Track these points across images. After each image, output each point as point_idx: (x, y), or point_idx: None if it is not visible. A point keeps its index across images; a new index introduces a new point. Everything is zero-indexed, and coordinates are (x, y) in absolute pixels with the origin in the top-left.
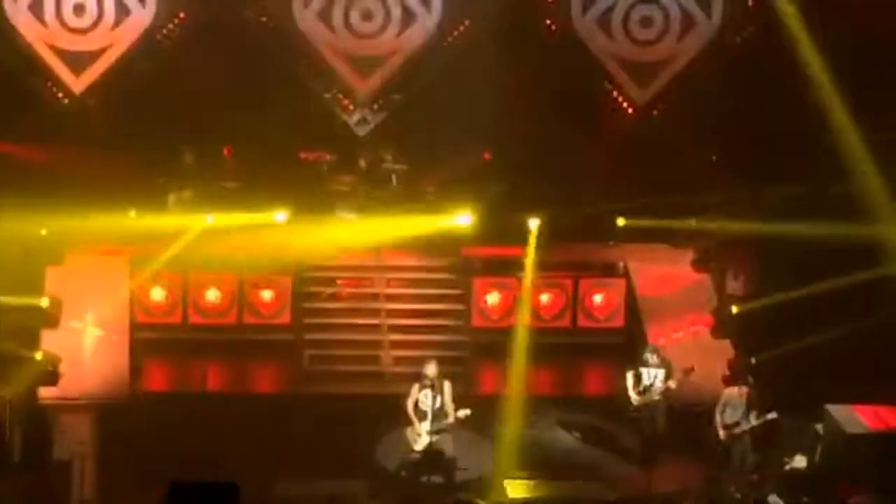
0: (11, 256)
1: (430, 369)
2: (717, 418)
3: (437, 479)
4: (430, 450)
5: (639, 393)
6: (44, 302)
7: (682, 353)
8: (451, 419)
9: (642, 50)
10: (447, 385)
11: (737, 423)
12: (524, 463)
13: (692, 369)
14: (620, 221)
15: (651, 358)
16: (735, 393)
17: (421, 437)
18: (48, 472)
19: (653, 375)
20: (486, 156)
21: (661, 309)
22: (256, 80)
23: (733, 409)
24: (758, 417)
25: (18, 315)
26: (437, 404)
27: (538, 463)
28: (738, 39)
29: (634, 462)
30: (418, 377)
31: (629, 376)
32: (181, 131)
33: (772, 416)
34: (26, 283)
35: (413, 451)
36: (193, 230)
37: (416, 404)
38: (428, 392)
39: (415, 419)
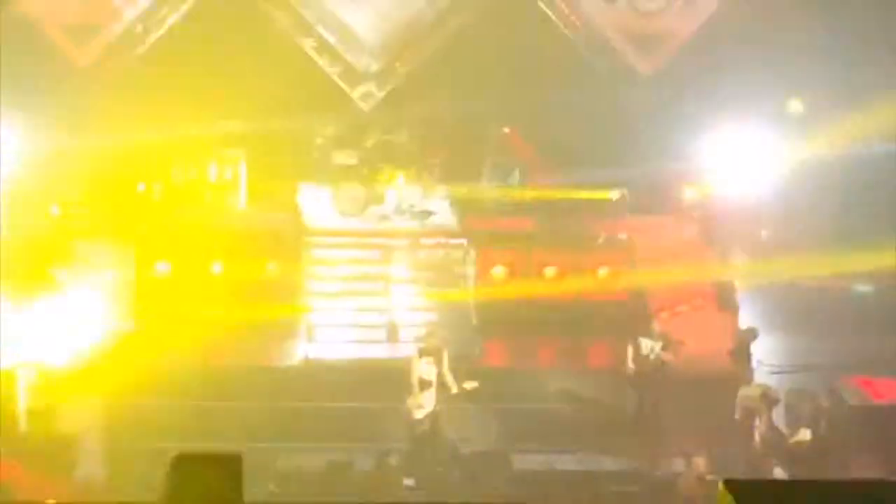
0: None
1: (430, 339)
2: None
3: (441, 449)
4: (434, 420)
5: (636, 363)
6: (59, 276)
7: (685, 325)
8: (453, 389)
9: (646, 21)
10: (445, 354)
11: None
12: (529, 435)
13: (682, 343)
14: (615, 194)
15: (652, 329)
16: (755, 395)
17: (424, 406)
18: (55, 446)
19: (650, 346)
20: (505, 130)
21: (663, 281)
22: (261, 54)
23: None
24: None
25: (31, 289)
26: (438, 374)
27: (543, 435)
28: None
29: (636, 433)
30: (422, 347)
31: (629, 347)
32: (185, 105)
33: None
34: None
35: (416, 420)
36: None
37: (419, 374)
38: (429, 361)
39: (417, 389)
